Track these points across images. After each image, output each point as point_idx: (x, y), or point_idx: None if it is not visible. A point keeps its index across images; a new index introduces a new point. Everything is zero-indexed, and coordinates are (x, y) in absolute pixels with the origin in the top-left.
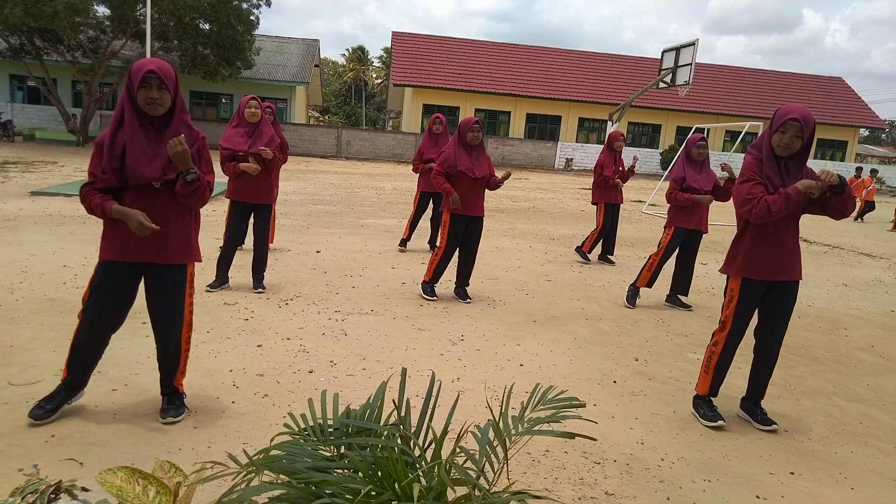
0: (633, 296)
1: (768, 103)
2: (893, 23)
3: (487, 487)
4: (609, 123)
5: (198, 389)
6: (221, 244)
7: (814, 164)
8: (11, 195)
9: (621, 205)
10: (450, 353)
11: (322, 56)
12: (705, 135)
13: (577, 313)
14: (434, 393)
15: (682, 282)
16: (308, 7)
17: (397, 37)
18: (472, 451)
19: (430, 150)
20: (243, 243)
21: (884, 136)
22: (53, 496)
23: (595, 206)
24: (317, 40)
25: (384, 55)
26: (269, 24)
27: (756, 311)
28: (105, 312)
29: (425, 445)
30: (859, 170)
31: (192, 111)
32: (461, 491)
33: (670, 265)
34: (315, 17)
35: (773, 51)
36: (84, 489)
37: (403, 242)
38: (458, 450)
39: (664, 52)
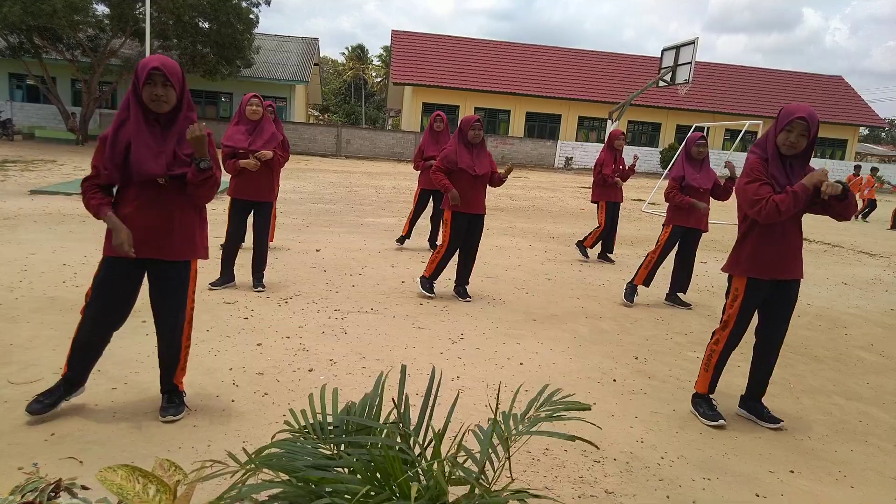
0: (630, 293)
1: (768, 102)
2: (893, 21)
3: (487, 486)
4: (609, 122)
5: (198, 388)
6: (223, 242)
7: (814, 163)
8: (11, 194)
9: (621, 203)
10: (449, 351)
11: (322, 55)
12: (705, 133)
13: (576, 312)
14: (434, 389)
15: (681, 280)
16: (308, 6)
17: (397, 35)
18: (472, 451)
19: (430, 148)
20: (243, 241)
21: (883, 134)
22: (53, 494)
23: (595, 205)
24: (316, 39)
25: (384, 54)
26: (269, 22)
27: (757, 309)
28: (108, 309)
29: (425, 444)
30: (858, 168)
31: None
32: (461, 490)
33: (669, 264)
34: (314, 16)
35: (774, 49)
36: (84, 487)
37: (402, 239)
38: (458, 449)
39: (664, 50)
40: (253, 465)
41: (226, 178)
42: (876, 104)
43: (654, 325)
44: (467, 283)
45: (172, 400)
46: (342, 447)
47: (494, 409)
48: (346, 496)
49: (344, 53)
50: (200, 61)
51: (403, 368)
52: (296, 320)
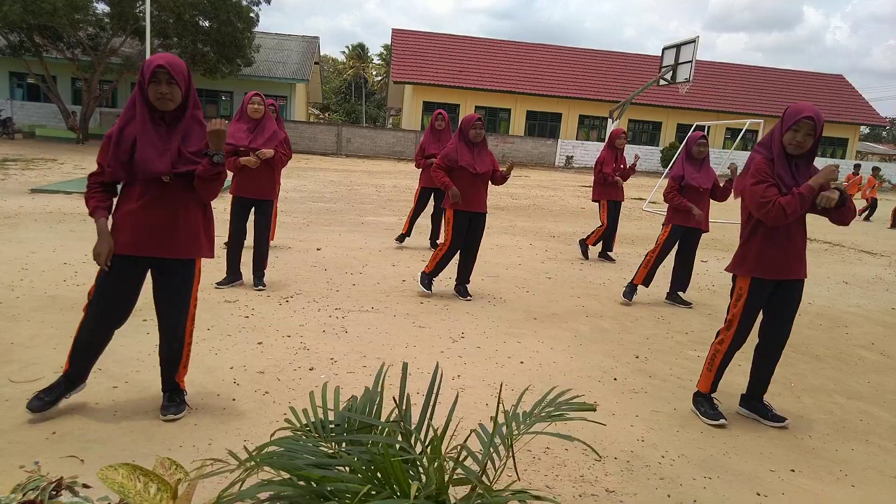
0: (629, 292)
1: (769, 101)
2: (894, 20)
3: (489, 485)
4: (609, 121)
5: (198, 387)
6: (226, 241)
7: (816, 163)
8: (11, 192)
9: (622, 203)
10: (450, 350)
11: (322, 53)
12: (706, 133)
13: (577, 311)
14: (436, 387)
15: (681, 279)
16: (308, 4)
17: (397, 34)
18: (473, 450)
19: (432, 146)
20: (245, 238)
21: (884, 133)
22: (55, 493)
23: (597, 204)
24: (317, 37)
25: (384, 52)
26: (269, 21)
27: (761, 309)
28: (110, 307)
29: (426, 442)
30: (857, 167)
31: None
32: (462, 491)
33: (670, 263)
34: (315, 15)
35: (774, 48)
36: (85, 486)
37: (402, 237)
38: (459, 448)
39: (665, 49)
40: (253, 464)
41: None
42: (877, 103)
43: (654, 324)
44: (468, 282)
45: (173, 398)
46: (343, 446)
47: (496, 409)
48: (346, 495)
49: (344, 52)
50: (201, 60)
51: (405, 366)
52: (296, 319)
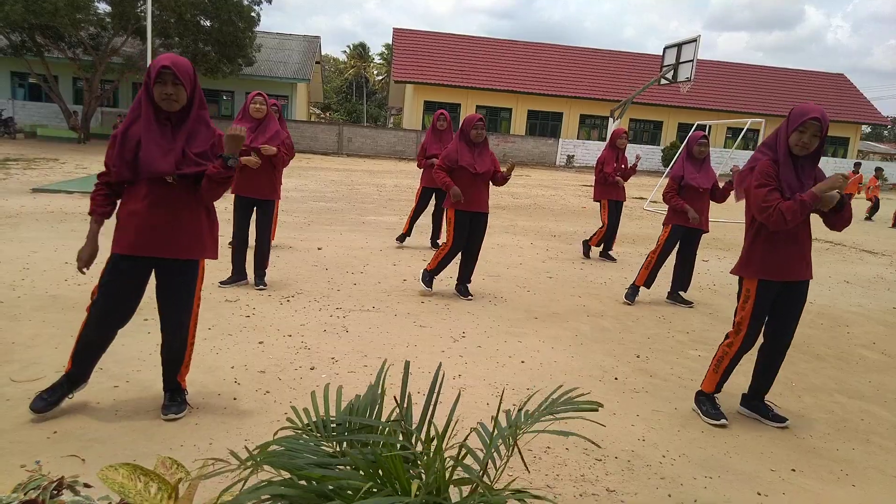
0: (632, 294)
1: (770, 100)
2: (895, 20)
3: (489, 485)
4: (610, 120)
5: (199, 386)
6: (230, 240)
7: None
8: (13, 192)
9: (624, 202)
10: (451, 349)
11: (323, 53)
12: (707, 132)
13: (578, 310)
14: (437, 386)
15: (682, 279)
16: (309, 4)
17: (398, 33)
18: (473, 449)
19: (433, 146)
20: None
21: (886, 132)
22: (56, 492)
23: (598, 204)
24: (318, 37)
25: (385, 52)
26: (270, 20)
27: None
28: (114, 307)
29: (427, 442)
30: (857, 165)
31: None
32: (463, 489)
33: (670, 263)
34: (316, 14)
35: (775, 47)
36: (86, 485)
37: (402, 237)
38: (459, 447)
39: (666, 48)
40: (254, 463)
41: None
42: (878, 102)
43: (655, 324)
44: (469, 282)
45: (174, 398)
46: (344, 445)
47: (497, 408)
48: (347, 492)
49: (345, 51)
50: (202, 59)
51: (407, 364)
52: (297, 318)
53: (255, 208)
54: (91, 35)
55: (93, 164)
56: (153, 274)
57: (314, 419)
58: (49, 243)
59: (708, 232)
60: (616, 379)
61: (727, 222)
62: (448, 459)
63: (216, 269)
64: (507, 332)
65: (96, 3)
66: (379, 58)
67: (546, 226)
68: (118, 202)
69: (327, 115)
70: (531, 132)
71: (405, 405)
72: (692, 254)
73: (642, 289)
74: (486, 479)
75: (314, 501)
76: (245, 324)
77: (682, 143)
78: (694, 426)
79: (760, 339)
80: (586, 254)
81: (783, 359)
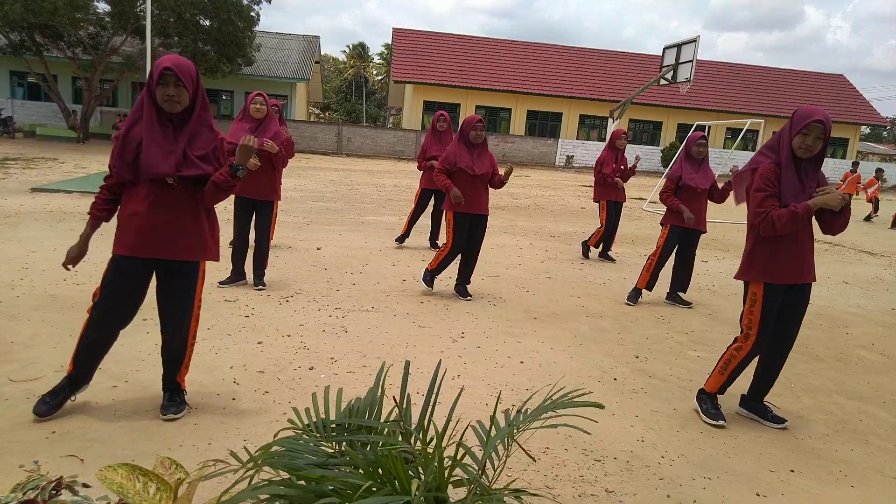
0: (634, 296)
1: (769, 101)
2: (895, 20)
3: (487, 485)
4: (610, 120)
5: (198, 386)
6: (231, 240)
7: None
8: (12, 192)
9: (623, 203)
10: (450, 350)
11: (323, 53)
12: (706, 133)
13: (577, 310)
14: (436, 386)
15: (681, 279)
16: (308, 3)
17: (398, 33)
18: (471, 448)
19: (433, 148)
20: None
21: (885, 133)
22: (54, 492)
23: (597, 204)
24: (317, 37)
25: (385, 52)
26: (270, 20)
27: None
28: (116, 307)
29: (427, 441)
30: (855, 164)
31: None
32: (462, 489)
33: (670, 263)
34: (315, 14)
35: (775, 48)
36: (85, 485)
37: (402, 238)
38: (456, 445)
39: (665, 48)
40: (256, 465)
41: None
42: (877, 103)
43: (654, 324)
44: (468, 282)
45: (173, 398)
46: (344, 445)
47: (494, 408)
48: (347, 491)
49: (345, 51)
50: (201, 59)
51: (407, 364)
52: (296, 318)
53: (255, 209)
54: (90, 34)
55: (92, 163)
56: (154, 275)
57: (314, 420)
58: (48, 243)
59: (706, 232)
60: (615, 379)
61: (726, 223)
62: (447, 459)
63: (215, 269)
64: (507, 333)
65: (95, 3)
66: (378, 58)
67: (545, 226)
68: (118, 207)
69: (327, 114)
70: (531, 132)
71: (404, 405)
72: (691, 254)
73: (643, 290)
74: (485, 478)
75: (314, 501)
76: (244, 324)
77: (681, 144)
78: (693, 427)
79: None
80: (585, 254)
81: (784, 361)
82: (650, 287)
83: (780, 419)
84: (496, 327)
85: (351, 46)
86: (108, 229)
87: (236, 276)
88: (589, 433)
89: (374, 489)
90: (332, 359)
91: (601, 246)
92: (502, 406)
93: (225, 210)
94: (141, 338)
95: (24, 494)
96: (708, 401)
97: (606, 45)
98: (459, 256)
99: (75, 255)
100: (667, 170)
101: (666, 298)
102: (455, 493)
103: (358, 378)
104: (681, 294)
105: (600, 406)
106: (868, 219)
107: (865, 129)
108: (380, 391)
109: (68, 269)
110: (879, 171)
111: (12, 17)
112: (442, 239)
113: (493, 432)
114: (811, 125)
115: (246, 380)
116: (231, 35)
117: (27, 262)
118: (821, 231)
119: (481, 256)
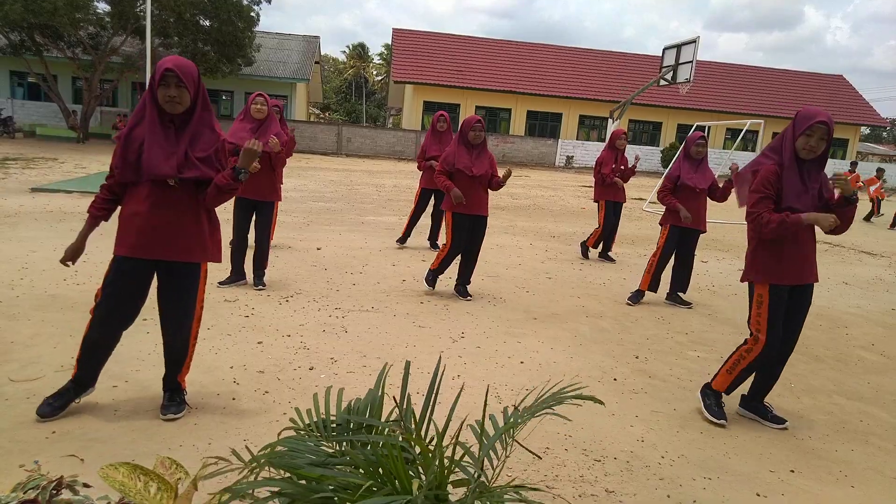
0: (636, 297)
1: (769, 101)
2: (895, 20)
3: (487, 483)
4: (610, 121)
5: (198, 386)
6: (231, 240)
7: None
8: (12, 191)
9: (623, 203)
10: (450, 350)
11: (322, 53)
12: (706, 133)
13: (577, 311)
14: (436, 385)
15: (681, 279)
16: (308, 4)
17: (398, 33)
18: (470, 446)
19: (433, 148)
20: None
21: (885, 133)
22: (55, 492)
23: (597, 205)
24: (317, 37)
25: (385, 52)
26: (270, 20)
27: None
28: (118, 308)
29: (427, 441)
30: (854, 164)
31: None
32: (461, 489)
33: (669, 264)
34: (315, 14)
35: (775, 48)
36: (85, 485)
37: (402, 239)
38: (454, 443)
39: (665, 49)
40: (258, 465)
41: None
42: (877, 103)
43: (654, 325)
44: (468, 283)
45: (174, 398)
46: (344, 445)
47: (484, 403)
48: (347, 491)
49: (345, 51)
50: (201, 59)
51: (407, 364)
52: (296, 318)
53: (255, 209)
54: (90, 34)
55: (92, 163)
56: (156, 276)
57: (315, 420)
58: (48, 243)
59: (705, 232)
60: (615, 380)
61: (726, 223)
62: (447, 459)
63: (215, 269)
64: (507, 333)
65: (95, 3)
66: (378, 58)
67: (545, 226)
68: (118, 208)
69: (326, 115)
70: (530, 133)
71: (405, 405)
72: (690, 254)
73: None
74: (484, 477)
75: (314, 500)
76: (244, 324)
77: (681, 144)
78: (693, 427)
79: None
80: (585, 255)
81: (786, 361)
82: (654, 288)
83: (780, 419)
84: (496, 327)
85: (351, 47)
86: (109, 230)
87: (236, 277)
88: (570, 420)
89: (375, 489)
90: (332, 359)
91: (601, 246)
92: (501, 406)
93: (225, 210)
94: (141, 338)
95: (24, 494)
96: (713, 397)
97: (606, 45)
98: (460, 257)
99: (72, 253)
100: (666, 170)
101: (666, 299)
102: (455, 493)
103: (358, 378)
104: (680, 294)
105: (598, 401)
106: (868, 218)
107: (865, 130)
108: (380, 392)
109: (67, 266)
110: (880, 171)
111: (12, 17)
112: (442, 239)
113: (489, 428)
114: (815, 126)
115: (246, 380)
116: (231, 35)
117: (27, 262)
118: (822, 231)
119: (481, 257)
